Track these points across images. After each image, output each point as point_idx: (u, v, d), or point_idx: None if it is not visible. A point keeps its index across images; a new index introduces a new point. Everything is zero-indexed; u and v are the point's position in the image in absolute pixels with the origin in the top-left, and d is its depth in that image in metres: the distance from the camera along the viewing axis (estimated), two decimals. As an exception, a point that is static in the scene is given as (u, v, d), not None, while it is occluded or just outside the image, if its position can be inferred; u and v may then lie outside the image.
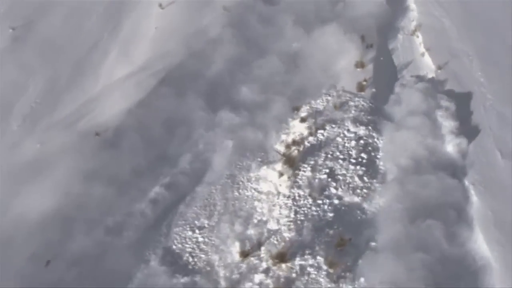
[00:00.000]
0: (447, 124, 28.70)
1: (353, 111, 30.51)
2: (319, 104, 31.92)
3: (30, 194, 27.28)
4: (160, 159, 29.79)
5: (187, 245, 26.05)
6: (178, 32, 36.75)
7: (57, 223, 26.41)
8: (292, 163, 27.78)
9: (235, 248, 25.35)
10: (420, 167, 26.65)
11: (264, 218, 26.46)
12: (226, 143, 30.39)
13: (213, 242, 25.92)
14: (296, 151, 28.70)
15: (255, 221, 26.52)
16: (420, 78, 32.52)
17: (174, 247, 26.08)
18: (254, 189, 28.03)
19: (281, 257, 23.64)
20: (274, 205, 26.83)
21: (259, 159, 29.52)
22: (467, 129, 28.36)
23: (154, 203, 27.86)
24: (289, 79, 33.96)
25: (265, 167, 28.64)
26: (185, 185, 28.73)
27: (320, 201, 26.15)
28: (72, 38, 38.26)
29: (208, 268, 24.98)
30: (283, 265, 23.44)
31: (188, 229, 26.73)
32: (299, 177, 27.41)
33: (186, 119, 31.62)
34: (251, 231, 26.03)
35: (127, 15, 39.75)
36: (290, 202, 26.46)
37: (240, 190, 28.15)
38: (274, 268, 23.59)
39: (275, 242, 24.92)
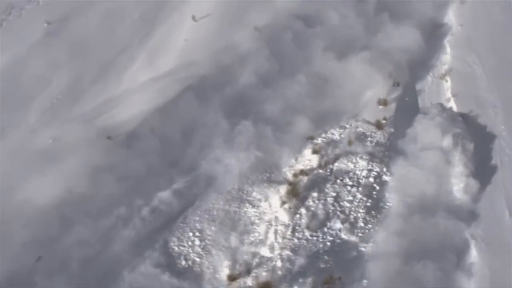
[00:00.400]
0: (461, 167, 27.97)
1: (368, 144, 30.31)
2: (336, 133, 31.65)
3: (38, 182, 27.74)
4: (174, 164, 30.19)
5: (184, 248, 26.52)
6: (207, 45, 37.03)
7: (59, 213, 26.98)
8: (296, 193, 27.63)
9: (226, 263, 25.55)
10: (426, 207, 26.27)
11: (260, 238, 26.48)
12: (242, 156, 30.34)
13: (208, 249, 26.35)
14: (304, 180, 28.52)
15: (250, 240, 26.53)
16: (440, 114, 31.41)
17: (170, 250, 26.56)
18: (258, 207, 28.03)
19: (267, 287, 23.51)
20: (271, 229, 26.75)
21: (268, 179, 29.44)
22: (480, 180, 27.50)
23: (162, 206, 28.26)
24: (313, 103, 33.56)
25: (271, 188, 28.59)
26: (195, 192, 29.03)
27: (317, 234, 26.03)
28: (104, 39, 38.90)
29: (198, 273, 25.49)
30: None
31: (188, 231, 27.19)
32: (301, 207, 27.18)
33: (206, 128, 31.90)
34: (243, 249, 26.09)
35: (160, 23, 40.13)
36: (287, 231, 26.29)
37: (244, 205, 28.20)
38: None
39: (265, 268, 24.83)
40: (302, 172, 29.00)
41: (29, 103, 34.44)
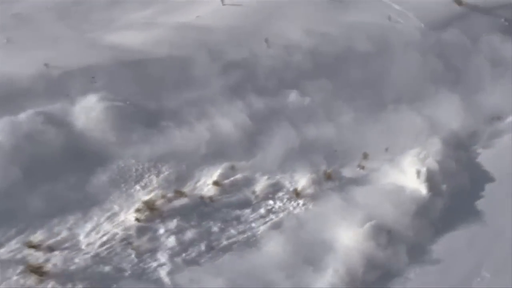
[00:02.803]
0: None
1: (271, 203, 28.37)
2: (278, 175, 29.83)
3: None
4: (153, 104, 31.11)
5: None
6: (228, 24, 36.56)
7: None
8: (152, 207, 26.41)
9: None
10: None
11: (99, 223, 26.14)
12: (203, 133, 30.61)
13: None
14: (179, 202, 27.33)
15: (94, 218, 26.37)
16: None
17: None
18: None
19: (38, 271, 22.91)
20: (113, 222, 26.21)
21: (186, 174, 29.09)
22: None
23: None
24: (310, 129, 32.35)
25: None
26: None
27: (140, 258, 24.98)
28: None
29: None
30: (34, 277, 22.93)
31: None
32: (148, 224, 26.14)
33: (197, 87, 32.13)
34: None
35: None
36: (116, 237, 25.49)
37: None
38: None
39: (66, 256, 24.18)
40: (182, 194, 27.56)
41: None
